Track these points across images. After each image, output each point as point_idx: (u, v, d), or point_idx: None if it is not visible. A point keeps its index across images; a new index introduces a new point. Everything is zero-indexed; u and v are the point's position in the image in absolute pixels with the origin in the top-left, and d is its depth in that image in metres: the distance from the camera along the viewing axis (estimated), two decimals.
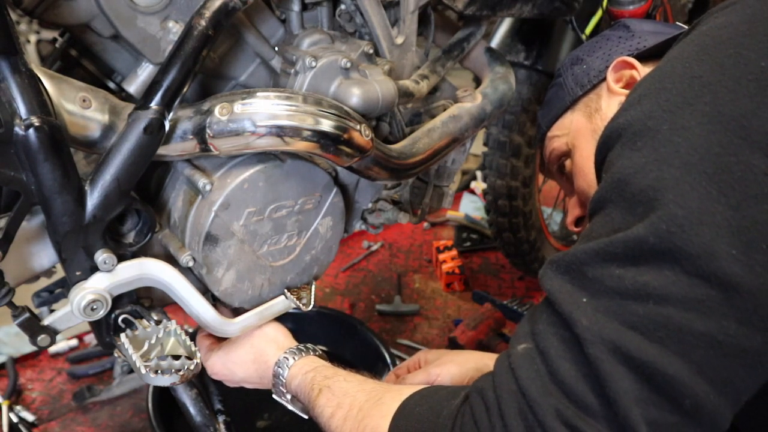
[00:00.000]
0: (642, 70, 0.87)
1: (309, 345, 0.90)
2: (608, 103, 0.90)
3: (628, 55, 0.90)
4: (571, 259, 0.59)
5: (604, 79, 0.92)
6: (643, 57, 0.90)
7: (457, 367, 0.98)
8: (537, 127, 1.06)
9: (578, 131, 0.94)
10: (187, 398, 0.98)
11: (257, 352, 0.90)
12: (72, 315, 0.76)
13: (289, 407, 0.89)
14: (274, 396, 0.89)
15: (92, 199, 0.72)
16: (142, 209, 0.78)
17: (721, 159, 0.55)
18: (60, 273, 0.81)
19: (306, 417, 0.87)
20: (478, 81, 1.18)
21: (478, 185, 2.44)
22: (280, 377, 0.87)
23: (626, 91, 0.86)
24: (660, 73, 0.65)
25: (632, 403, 0.52)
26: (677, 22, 1.22)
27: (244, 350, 0.91)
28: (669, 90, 0.61)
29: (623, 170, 0.59)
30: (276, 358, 0.88)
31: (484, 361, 0.99)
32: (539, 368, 0.57)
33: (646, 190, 0.56)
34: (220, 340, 0.95)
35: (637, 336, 0.53)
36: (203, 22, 0.72)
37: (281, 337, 0.92)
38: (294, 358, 0.87)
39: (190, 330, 1.42)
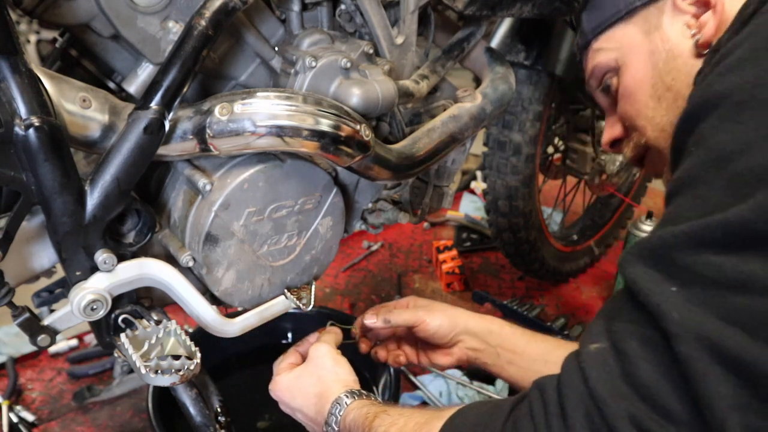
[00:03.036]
0: None
1: (367, 392, 0.87)
2: (671, 21, 0.79)
3: None
4: (658, 243, 0.52)
5: None
6: None
7: (448, 319, 0.98)
8: (579, 33, 0.93)
9: (631, 48, 0.83)
10: (187, 398, 0.98)
11: (324, 388, 0.87)
12: (72, 315, 0.76)
13: None
14: None
15: (92, 199, 0.72)
16: (142, 209, 0.78)
17: None
18: (60, 273, 0.81)
19: None
20: (478, 81, 1.18)
21: (478, 185, 2.44)
22: (336, 414, 0.83)
23: (694, 10, 0.77)
24: (765, 33, 0.56)
25: (729, 410, 0.45)
26: None
27: (312, 381, 0.89)
28: None
29: (723, 146, 0.52)
30: (337, 394, 0.85)
31: (474, 318, 0.99)
32: (613, 368, 0.52)
33: (753, 169, 0.49)
34: (301, 361, 0.95)
35: (738, 332, 0.46)
36: (203, 22, 0.72)
37: (348, 377, 0.89)
38: (354, 398, 0.84)
39: (190, 330, 1.42)
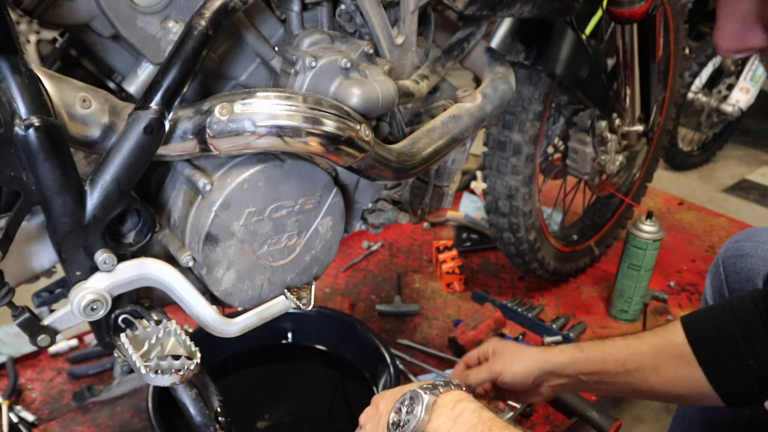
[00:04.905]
0: None
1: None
2: None
3: None
4: None
5: None
6: None
7: (521, 367, 0.99)
8: None
9: None
10: (187, 398, 0.98)
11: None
12: (72, 315, 0.76)
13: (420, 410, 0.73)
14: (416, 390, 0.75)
15: (92, 199, 0.72)
16: (142, 209, 0.78)
17: None
18: (60, 273, 0.81)
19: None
20: (478, 81, 1.18)
21: (478, 185, 2.44)
22: (424, 394, 0.74)
23: None
24: None
25: None
26: None
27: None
28: None
29: None
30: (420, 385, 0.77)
31: (546, 358, 0.99)
32: None
33: None
34: None
35: None
36: (203, 22, 0.72)
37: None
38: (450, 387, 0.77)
39: (190, 330, 1.42)
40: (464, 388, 0.78)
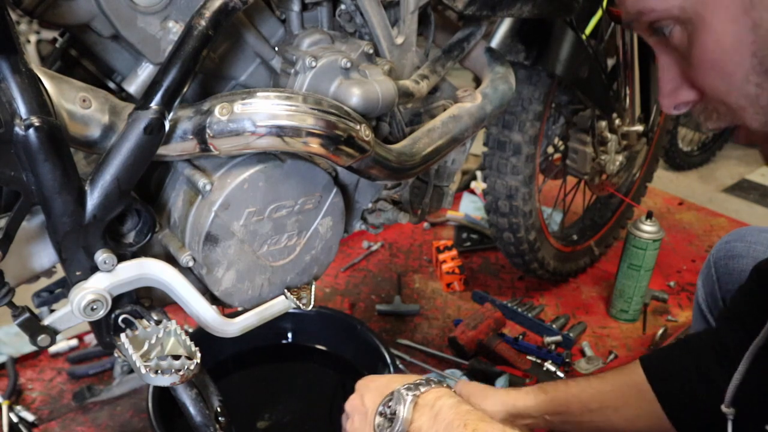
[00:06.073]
0: None
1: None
2: None
3: None
4: None
5: None
6: None
7: (490, 408, 0.98)
8: None
9: None
10: (187, 398, 0.98)
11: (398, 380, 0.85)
12: (72, 315, 0.76)
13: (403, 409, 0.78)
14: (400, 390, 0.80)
15: (92, 199, 0.72)
16: (142, 209, 0.78)
17: None
18: (60, 273, 0.81)
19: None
20: (478, 81, 1.18)
21: (478, 185, 2.44)
22: (407, 394, 0.78)
23: None
24: None
25: None
26: None
27: (397, 379, 0.86)
28: None
29: None
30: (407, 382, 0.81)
31: (511, 402, 0.99)
32: None
33: None
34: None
35: None
36: (203, 22, 0.72)
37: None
38: (430, 385, 0.80)
39: (190, 330, 1.42)
40: (445, 385, 0.81)
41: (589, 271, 2.01)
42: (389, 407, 0.80)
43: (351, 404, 0.89)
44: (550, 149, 1.71)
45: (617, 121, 1.66)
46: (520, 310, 1.73)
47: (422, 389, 0.79)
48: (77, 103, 0.70)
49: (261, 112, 0.76)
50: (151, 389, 1.21)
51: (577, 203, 1.97)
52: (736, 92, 0.63)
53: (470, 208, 2.35)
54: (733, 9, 0.58)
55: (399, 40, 0.98)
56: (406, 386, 0.80)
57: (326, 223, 0.94)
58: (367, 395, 0.86)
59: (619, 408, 0.97)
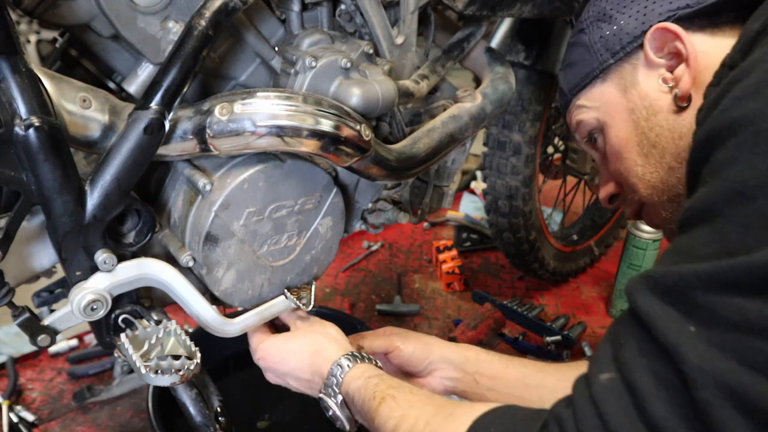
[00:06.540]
0: (689, 40, 0.73)
1: (369, 355, 0.87)
2: (647, 77, 0.78)
3: (670, 18, 0.75)
4: (675, 280, 0.50)
5: (641, 46, 0.78)
6: (688, 18, 0.75)
7: (421, 346, 0.96)
8: (559, 91, 0.94)
9: (611, 107, 0.82)
10: (187, 398, 0.98)
11: (318, 346, 0.88)
12: (72, 315, 0.76)
13: (336, 412, 0.83)
14: (320, 396, 0.85)
15: (92, 199, 0.72)
16: (142, 209, 0.78)
17: None
18: (60, 273, 0.81)
19: (347, 429, 0.83)
20: (478, 81, 1.18)
21: (478, 185, 2.45)
22: (337, 376, 0.83)
23: (666, 62, 0.76)
24: None
25: None
26: None
27: (305, 341, 0.89)
28: None
29: (742, 180, 0.49)
30: (336, 356, 0.85)
31: (449, 346, 0.97)
32: (627, 405, 0.50)
33: None
34: (275, 330, 0.95)
35: (760, 379, 0.44)
36: (203, 22, 0.72)
37: (343, 340, 0.90)
38: (356, 362, 0.84)
39: (190, 330, 1.42)
40: (370, 361, 0.86)
41: (589, 271, 2.01)
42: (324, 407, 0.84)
43: (265, 363, 0.92)
44: (550, 149, 1.71)
45: None
46: (520, 310, 1.73)
47: (335, 389, 0.83)
48: (77, 103, 0.70)
49: (261, 112, 0.76)
50: (151, 389, 1.21)
51: (577, 203, 1.97)
52: (632, 173, 0.82)
53: (470, 208, 2.35)
54: (623, 111, 0.81)
55: (399, 40, 0.98)
56: (323, 388, 0.84)
57: (326, 223, 0.94)
58: (292, 380, 0.90)
59: (557, 391, 0.92)
